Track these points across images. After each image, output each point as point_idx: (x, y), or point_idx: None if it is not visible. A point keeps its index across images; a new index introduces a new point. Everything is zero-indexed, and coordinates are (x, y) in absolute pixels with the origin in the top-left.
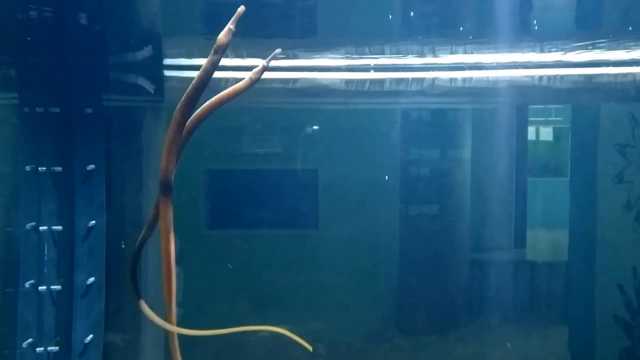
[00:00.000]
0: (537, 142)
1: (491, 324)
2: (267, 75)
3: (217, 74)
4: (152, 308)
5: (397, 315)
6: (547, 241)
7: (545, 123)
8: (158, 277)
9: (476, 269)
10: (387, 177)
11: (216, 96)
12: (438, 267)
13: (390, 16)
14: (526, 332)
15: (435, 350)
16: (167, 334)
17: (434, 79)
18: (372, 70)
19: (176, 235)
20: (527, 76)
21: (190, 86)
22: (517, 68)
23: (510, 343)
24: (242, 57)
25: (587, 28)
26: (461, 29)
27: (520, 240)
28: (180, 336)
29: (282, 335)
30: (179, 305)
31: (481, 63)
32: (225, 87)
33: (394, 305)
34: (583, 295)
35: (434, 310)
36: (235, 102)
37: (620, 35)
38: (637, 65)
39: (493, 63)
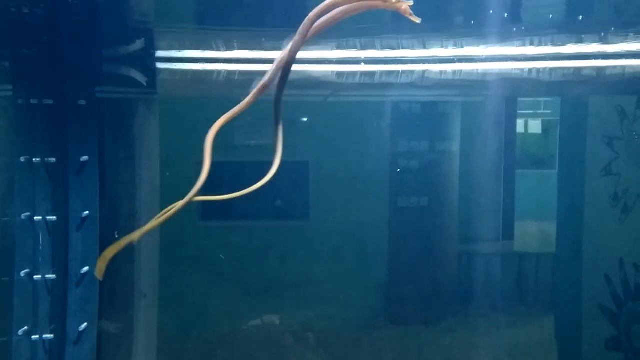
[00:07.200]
0: (525, 134)
1: (479, 315)
2: (259, 67)
3: (210, 66)
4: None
5: (387, 306)
6: (535, 233)
7: (534, 116)
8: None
9: (465, 260)
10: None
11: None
12: (427, 258)
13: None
14: (514, 322)
15: (424, 340)
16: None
17: (423, 72)
18: (362, 63)
19: (170, 225)
20: (517, 69)
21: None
22: (506, 61)
23: (498, 333)
24: (232, 49)
25: (577, 20)
26: (452, 21)
27: (508, 231)
28: (174, 327)
29: (273, 324)
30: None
31: (471, 56)
32: (217, 80)
33: (384, 295)
34: (570, 286)
35: (423, 301)
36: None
37: (609, 28)
38: (626, 58)
39: (483, 55)
